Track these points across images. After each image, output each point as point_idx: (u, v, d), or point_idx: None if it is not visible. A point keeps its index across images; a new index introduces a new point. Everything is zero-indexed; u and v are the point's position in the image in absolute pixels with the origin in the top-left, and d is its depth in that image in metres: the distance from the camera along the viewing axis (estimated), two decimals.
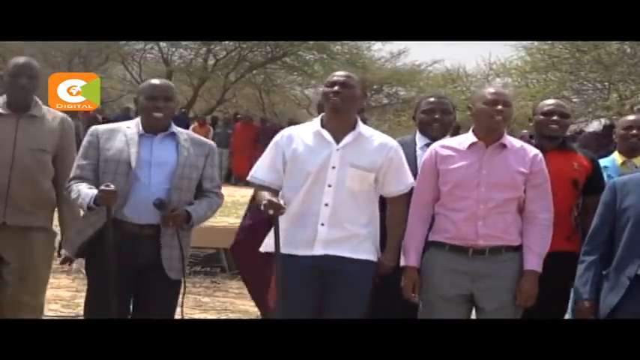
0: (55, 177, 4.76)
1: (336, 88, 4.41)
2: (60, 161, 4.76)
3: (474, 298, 4.39)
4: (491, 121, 4.37)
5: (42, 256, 4.75)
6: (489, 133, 4.40)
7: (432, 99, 4.93)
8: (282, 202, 4.29)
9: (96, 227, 4.41)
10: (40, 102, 4.79)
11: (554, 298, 4.60)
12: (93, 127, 4.62)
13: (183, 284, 4.55)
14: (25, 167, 4.65)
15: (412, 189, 4.52)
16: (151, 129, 4.51)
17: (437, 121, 4.83)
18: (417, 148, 4.80)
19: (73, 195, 4.44)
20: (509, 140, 4.44)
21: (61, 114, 4.94)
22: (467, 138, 4.45)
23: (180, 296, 4.55)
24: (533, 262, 4.35)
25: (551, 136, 4.81)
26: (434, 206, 4.45)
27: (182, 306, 4.54)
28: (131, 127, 4.52)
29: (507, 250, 4.38)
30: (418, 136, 4.86)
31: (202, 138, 4.75)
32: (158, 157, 4.47)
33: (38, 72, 4.77)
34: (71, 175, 4.53)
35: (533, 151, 4.46)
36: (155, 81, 4.68)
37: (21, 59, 4.79)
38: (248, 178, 4.59)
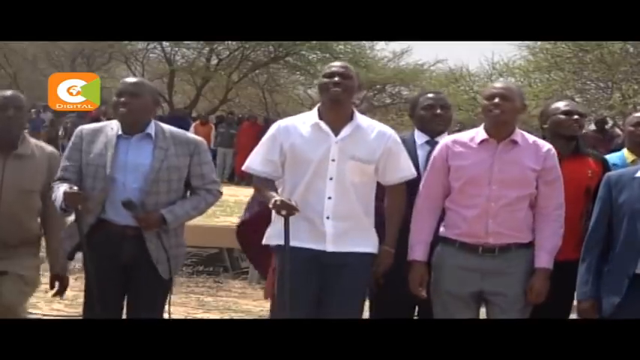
0: (42, 211, 4.74)
1: (336, 78, 4.40)
2: (47, 196, 4.66)
3: (484, 294, 4.39)
4: (491, 115, 4.34)
5: (31, 270, 4.72)
6: (500, 129, 4.36)
7: (430, 95, 4.92)
8: (293, 202, 4.29)
9: (83, 232, 4.45)
10: (27, 137, 4.73)
11: (560, 305, 4.58)
12: (79, 128, 4.64)
13: (171, 284, 4.56)
14: (11, 209, 4.59)
15: (415, 183, 4.53)
16: (127, 128, 4.50)
17: (438, 117, 4.82)
18: (417, 146, 4.80)
19: (52, 197, 4.49)
20: (522, 136, 4.41)
21: (49, 148, 4.88)
22: (478, 134, 4.42)
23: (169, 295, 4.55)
24: (544, 259, 4.34)
25: (571, 136, 4.74)
26: (444, 201, 4.44)
27: (169, 305, 4.54)
28: (113, 128, 4.53)
29: (517, 247, 4.36)
30: (417, 133, 4.86)
31: (188, 135, 4.68)
32: (133, 161, 4.48)
33: (25, 104, 4.70)
34: (56, 176, 4.56)
35: (545, 146, 4.42)
36: (127, 78, 4.72)
37: (7, 92, 4.71)
38: (243, 168, 4.60)
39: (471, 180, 4.35)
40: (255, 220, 4.94)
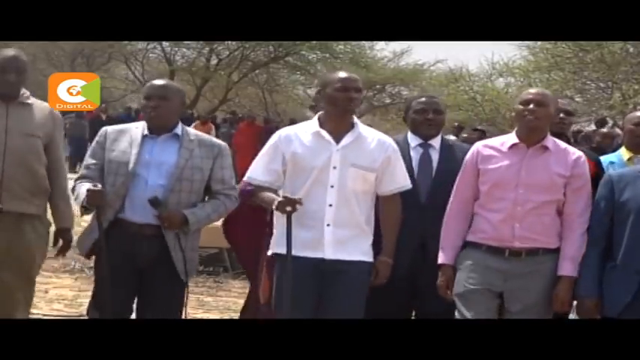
0: (46, 166, 4.71)
1: (354, 94, 4.41)
2: (49, 152, 4.70)
3: (503, 297, 4.36)
4: (525, 121, 4.35)
5: (36, 246, 4.71)
6: (531, 135, 4.36)
7: (423, 99, 4.94)
8: (297, 197, 4.29)
9: (102, 227, 4.43)
10: (27, 93, 4.74)
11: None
12: (103, 128, 4.67)
13: (185, 286, 4.53)
14: (18, 152, 4.59)
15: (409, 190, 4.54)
16: (154, 129, 4.52)
17: (429, 121, 4.83)
18: (411, 148, 4.81)
19: (74, 195, 4.50)
20: (553, 142, 4.40)
21: (48, 106, 4.90)
22: (509, 139, 4.43)
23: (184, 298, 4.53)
24: (568, 267, 4.31)
25: (558, 133, 4.74)
26: (473, 205, 4.44)
27: (185, 307, 4.53)
28: (138, 128, 4.56)
29: (544, 252, 4.34)
30: (410, 136, 4.87)
31: (213, 139, 4.72)
32: (158, 158, 4.48)
33: (26, 65, 4.70)
34: (78, 175, 4.57)
35: (576, 153, 4.41)
36: (155, 81, 4.72)
37: (9, 52, 4.69)
38: (245, 179, 4.58)
39: (498, 183, 4.35)
40: (236, 216, 4.91)
